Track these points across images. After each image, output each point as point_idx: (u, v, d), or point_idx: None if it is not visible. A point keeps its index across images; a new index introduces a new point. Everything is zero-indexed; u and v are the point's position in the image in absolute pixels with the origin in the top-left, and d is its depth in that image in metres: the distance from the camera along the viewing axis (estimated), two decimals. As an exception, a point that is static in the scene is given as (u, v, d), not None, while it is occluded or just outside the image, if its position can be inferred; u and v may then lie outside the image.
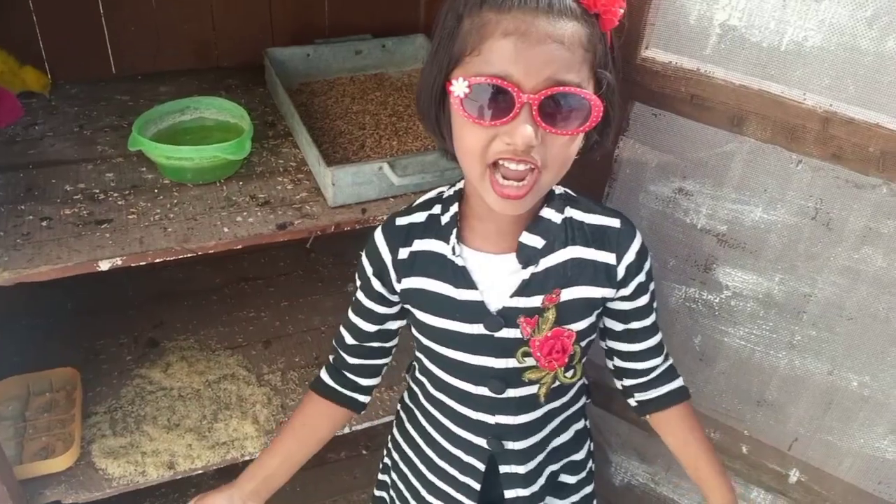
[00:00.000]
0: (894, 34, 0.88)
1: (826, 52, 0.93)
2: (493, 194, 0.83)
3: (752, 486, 1.28)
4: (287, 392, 1.48)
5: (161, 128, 1.34)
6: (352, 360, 1.08)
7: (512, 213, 0.87)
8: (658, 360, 1.04)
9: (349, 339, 1.07)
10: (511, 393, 0.98)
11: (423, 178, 1.26)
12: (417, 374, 1.10)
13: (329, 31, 1.69)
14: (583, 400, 1.12)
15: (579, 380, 1.05)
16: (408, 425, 1.14)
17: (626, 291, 0.97)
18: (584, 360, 1.02)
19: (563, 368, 0.97)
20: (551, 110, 0.78)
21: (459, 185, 0.97)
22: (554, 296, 0.93)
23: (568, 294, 0.93)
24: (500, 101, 0.78)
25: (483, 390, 0.99)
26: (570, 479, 1.13)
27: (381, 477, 1.26)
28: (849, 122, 0.94)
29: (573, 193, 0.98)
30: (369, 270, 1.01)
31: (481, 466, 1.04)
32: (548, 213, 0.93)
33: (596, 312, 0.98)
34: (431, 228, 0.96)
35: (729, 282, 1.15)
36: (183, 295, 1.71)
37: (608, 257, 0.94)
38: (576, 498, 1.14)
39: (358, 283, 1.04)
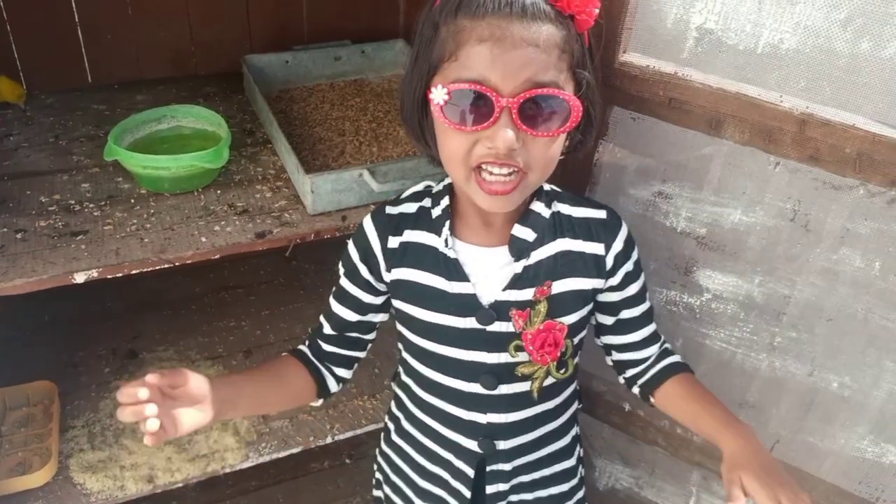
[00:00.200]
0: (868, 36, 0.89)
1: (802, 54, 0.94)
2: (482, 193, 0.84)
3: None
4: (269, 402, 1.46)
5: (138, 137, 1.33)
6: (327, 348, 1.06)
7: (501, 210, 0.88)
8: (654, 348, 1.05)
9: (327, 329, 1.06)
10: (504, 389, 0.98)
11: (403, 184, 1.25)
12: (403, 378, 1.09)
13: (308, 37, 1.69)
14: (575, 405, 1.12)
15: (572, 379, 1.05)
16: (394, 436, 1.14)
17: (615, 281, 0.98)
18: (576, 358, 1.02)
19: (555, 364, 0.98)
20: (531, 113, 0.79)
21: (449, 180, 0.97)
22: (545, 288, 0.93)
23: (559, 286, 0.94)
24: (480, 107, 0.78)
25: (475, 387, 0.99)
26: (563, 488, 1.13)
27: (375, 493, 1.25)
28: (825, 123, 0.94)
29: (559, 189, 0.99)
30: (356, 256, 1.00)
31: (471, 472, 1.04)
32: (537, 206, 0.94)
33: (587, 307, 0.99)
34: (422, 220, 0.96)
35: (709, 284, 1.15)
36: (162, 305, 1.69)
37: (596, 248, 0.96)
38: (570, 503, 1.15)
39: (342, 270, 1.03)
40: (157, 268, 1.14)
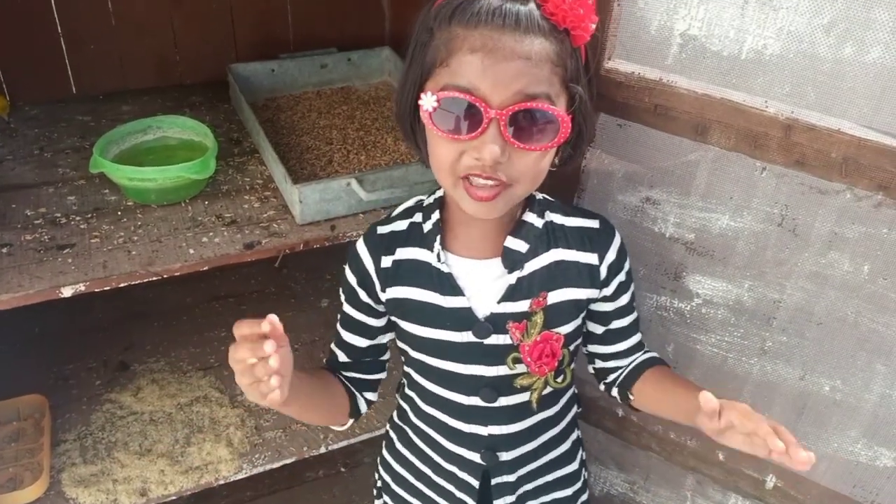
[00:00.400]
0: (851, 41, 0.88)
1: (785, 59, 0.93)
2: (469, 199, 0.83)
3: (730, 492, 1.28)
4: (261, 413, 1.46)
5: (123, 148, 1.32)
6: (348, 375, 1.06)
7: (486, 217, 0.86)
8: (638, 354, 1.04)
9: (342, 357, 1.05)
10: (503, 401, 0.98)
11: (391, 192, 1.25)
12: (407, 391, 1.09)
13: (294, 45, 1.69)
14: (574, 409, 1.12)
15: (569, 385, 1.05)
16: (398, 445, 1.13)
17: (608, 291, 0.97)
18: (572, 364, 1.02)
19: (553, 373, 0.97)
20: (519, 125, 0.78)
21: (439, 193, 0.96)
22: (541, 299, 0.93)
23: (554, 297, 0.94)
24: (469, 116, 0.78)
25: (475, 400, 0.98)
26: (567, 492, 1.12)
27: (377, 502, 1.24)
28: (810, 128, 0.94)
29: (551, 199, 0.98)
30: (353, 280, 0.99)
31: (475, 483, 1.03)
32: (529, 217, 0.93)
33: (582, 315, 0.98)
34: (414, 236, 0.96)
35: (699, 289, 1.15)
36: (152, 316, 1.68)
37: (590, 258, 0.95)
38: None
39: (343, 296, 1.03)
40: (146, 280, 1.13)
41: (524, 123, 0.78)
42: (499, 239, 0.93)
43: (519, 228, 0.93)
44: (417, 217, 0.97)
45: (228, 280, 1.80)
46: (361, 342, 1.03)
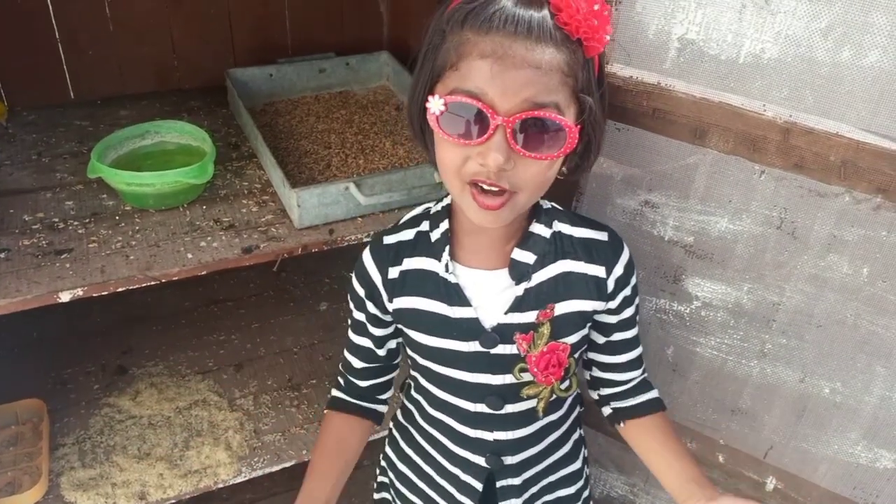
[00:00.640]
0: (849, 45, 0.88)
1: (783, 63, 0.93)
2: (475, 206, 0.83)
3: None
4: (260, 416, 1.46)
5: (121, 153, 1.32)
6: (364, 384, 1.07)
7: (491, 226, 0.86)
8: (637, 373, 1.05)
9: (357, 364, 1.05)
10: (509, 409, 0.98)
11: (390, 196, 1.25)
12: (413, 393, 1.09)
13: (292, 50, 1.69)
14: (577, 410, 1.12)
15: (574, 391, 1.05)
16: (402, 444, 1.13)
17: (613, 304, 0.97)
18: (575, 371, 1.02)
19: (559, 382, 0.97)
20: (526, 134, 0.78)
21: (447, 201, 0.96)
22: (548, 311, 0.92)
23: (561, 308, 0.93)
24: (475, 122, 0.78)
25: (481, 407, 0.98)
26: (570, 490, 1.12)
27: (376, 497, 1.24)
28: (809, 132, 0.94)
29: (560, 207, 0.98)
30: (361, 292, 0.99)
31: (478, 486, 1.03)
32: (537, 228, 0.93)
33: (588, 325, 0.98)
34: (421, 246, 0.95)
35: (698, 292, 1.15)
36: (151, 320, 1.68)
37: (598, 270, 0.94)
38: None
39: (352, 304, 1.03)
40: (144, 285, 1.13)
41: (531, 132, 0.78)
42: (506, 249, 0.93)
43: (526, 240, 0.92)
44: (424, 226, 0.96)
45: (227, 284, 1.80)
46: (374, 347, 1.03)
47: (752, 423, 1.20)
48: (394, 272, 0.95)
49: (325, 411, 1.08)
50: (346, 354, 1.07)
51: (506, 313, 0.92)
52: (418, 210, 1.00)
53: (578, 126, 0.81)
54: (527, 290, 0.92)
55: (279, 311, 1.74)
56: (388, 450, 1.18)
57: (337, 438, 1.05)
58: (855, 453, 1.12)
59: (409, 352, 1.02)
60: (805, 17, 0.90)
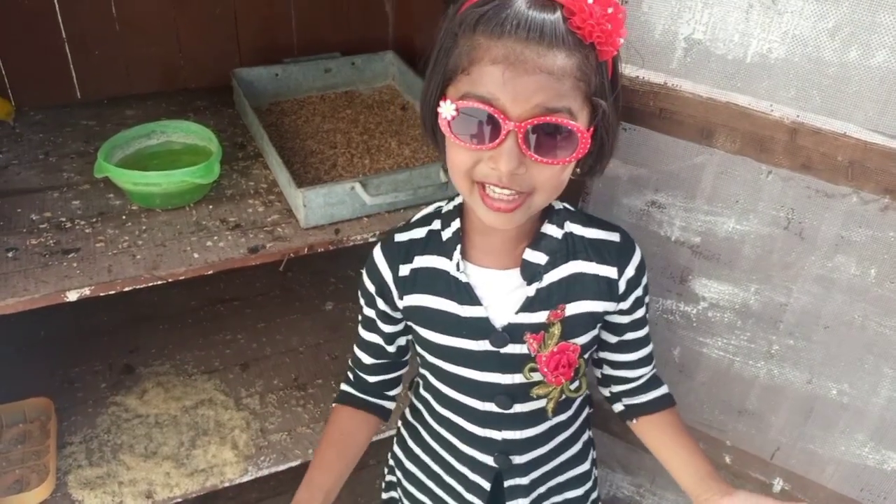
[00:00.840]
0: (856, 45, 0.88)
1: (790, 63, 0.93)
2: (484, 208, 0.83)
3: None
4: (266, 416, 1.46)
5: (128, 153, 1.32)
6: (374, 380, 1.07)
7: (503, 227, 0.86)
8: (647, 369, 1.05)
9: (367, 360, 1.06)
10: (518, 408, 0.98)
11: (396, 196, 1.25)
12: (422, 392, 1.09)
13: (297, 49, 1.69)
14: (586, 410, 1.12)
15: (584, 392, 1.05)
16: (410, 442, 1.13)
17: (625, 305, 0.97)
18: (585, 372, 1.02)
19: (568, 382, 0.97)
20: (538, 139, 0.77)
21: (458, 200, 0.96)
22: (559, 311, 0.92)
23: (572, 309, 0.93)
24: (487, 127, 0.77)
25: (490, 406, 0.98)
26: (578, 492, 1.12)
27: (384, 496, 1.25)
28: (816, 132, 0.93)
29: (572, 208, 0.97)
30: (372, 289, 0.99)
31: (486, 485, 1.03)
32: (549, 228, 0.93)
33: (598, 326, 0.98)
34: (432, 244, 0.95)
35: (705, 293, 1.15)
36: (158, 319, 1.69)
37: (609, 271, 0.94)
38: None
39: (362, 301, 1.03)
40: (151, 284, 1.13)
41: (543, 137, 0.77)
42: (518, 249, 0.93)
43: (538, 241, 0.92)
44: (436, 224, 0.96)
45: (233, 283, 1.80)
46: (383, 343, 1.04)
47: (759, 425, 1.19)
48: (405, 270, 0.96)
49: (333, 405, 1.09)
50: (356, 350, 1.07)
51: (516, 313, 0.92)
52: (430, 209, 1.00)
53: (591, 130, 0.80)
54: (538, 291, 0.92)
55: (285, 311, 1.74)
56: (396, 448, 1.18)
57: (343, 432, 1.05)
58: (862, 455, 1.11)
59: (419, 349, 1.02)
60: (812, 17, 0.89)
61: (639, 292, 0.97)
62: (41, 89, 1.52)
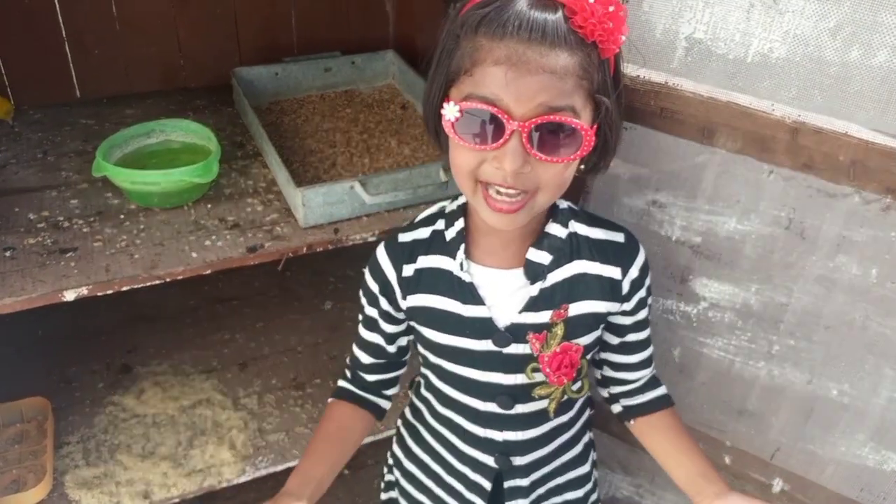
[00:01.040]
0: (858, 44, 0.88)
1: (792, 62, 0.93)
2: (487, 209, 0.83)
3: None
4: (264, 416, 1.46)
5: (126, 152, 1.32)
6: (372, 378, 1.07)
7: (506, 228, 0.86)
8: (647, 371, 1.05)
9: (366, 359, 1.06)
10: (520, 409, 0.98)
11: (395, 196, 1.25)
12: (423, 391, 1.09)
13: (297, 48, 1.68)
14: (587, 412, 1.12)
15: (586, 393, 1.05)
16: (410, 442, 1.13)
17: (629, 306, 0.97)
18: (587, 373, 1.02)
19: (570, 382, 0.97)
20: (541, 138, 0.78)
21: (462, 200, 0.96)
22: (562, 311, 0.92)
23: (575, 309, 0.93)
24: (491, 127, 0.78)
25: (491, 406, 0.98)
26: (578, 494, 1.12)
27: (384, 496, 1.24)
28: (817, 131, 0.93)
29: (576, 207, 0.98)
30: (375, 288, 0.99)
31: (487, 485, 1.03)
32: (553, 228, 0.93)
33: (601, 326, 0.98)
34: (436, 244, 0.95)
35: (706, 293, 1.14)
36: (156, 318, 1.68)
37: (613, 272, 0.94)
38: None
39: (364, 300, 1.03)
40: (149, 283, 1.13)
41: (546, 136, 0.78)
42: (521, 248, 0.92)
43: (542, 240, 0.92)
44: (440, 224, 0.96)
45: (231, 283, 1.80)
46: (384, 343, 1.03)
47: (759, 425, 1.19)
48: (408, 270, 0.96)
49: (329, 400, 1.08)
50: (355, 349, 1.07)
51: (520, 313, 0.92)
52: (434, 208, 1.00)
53: (594, 127, 0.80)
54: (541, 290, 0.92)
55: (284, 311, 1.73)
56: (395, 448, 1.18)
57: (338, 426, 1.05)
58: (862, 455, 1.11)
59: (421, 349, 1.02)
60: (813, 17, 0.89)
61: (642, 293, 0.97)
62: (41, 88, 1.52)
